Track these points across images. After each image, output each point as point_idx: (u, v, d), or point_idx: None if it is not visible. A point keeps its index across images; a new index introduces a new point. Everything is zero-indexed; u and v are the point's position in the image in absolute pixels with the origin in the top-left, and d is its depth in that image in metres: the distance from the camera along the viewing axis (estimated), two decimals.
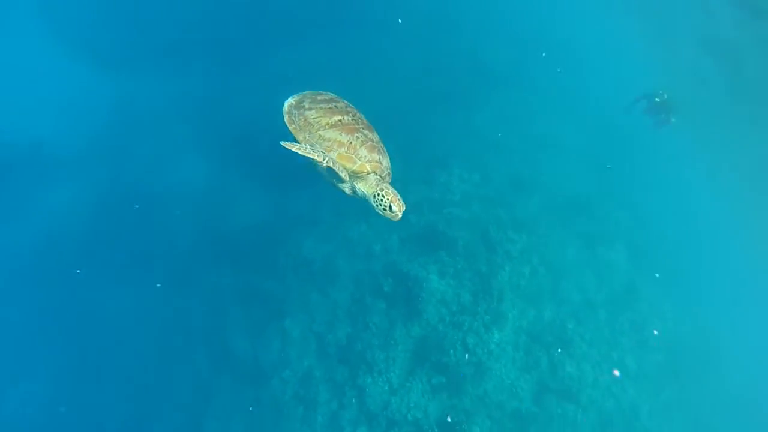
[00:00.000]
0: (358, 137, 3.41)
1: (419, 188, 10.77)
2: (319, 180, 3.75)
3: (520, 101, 15.64)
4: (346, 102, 3.90)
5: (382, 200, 3.34)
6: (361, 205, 3.68)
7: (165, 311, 9.12)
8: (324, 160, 3.25)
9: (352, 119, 3.56)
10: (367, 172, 3.41)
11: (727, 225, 20.74)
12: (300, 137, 3.46)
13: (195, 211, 10.06)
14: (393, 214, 3.37)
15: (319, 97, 3.78)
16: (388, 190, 3.38)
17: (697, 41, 19.83)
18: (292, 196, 9.83)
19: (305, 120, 3.50)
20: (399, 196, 3.39)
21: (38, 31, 12.66)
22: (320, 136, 3.41)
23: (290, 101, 3.77)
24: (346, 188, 3.58)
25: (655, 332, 11.57)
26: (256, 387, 8.11)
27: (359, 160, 3.36)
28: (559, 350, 9.78)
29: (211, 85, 11.89)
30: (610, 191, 14.86)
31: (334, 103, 3.69)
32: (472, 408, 8.35)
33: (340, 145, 3.35)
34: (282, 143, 3.31)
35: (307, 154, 3.25)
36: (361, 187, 3.50)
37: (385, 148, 3.66)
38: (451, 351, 8.26)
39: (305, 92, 3.90)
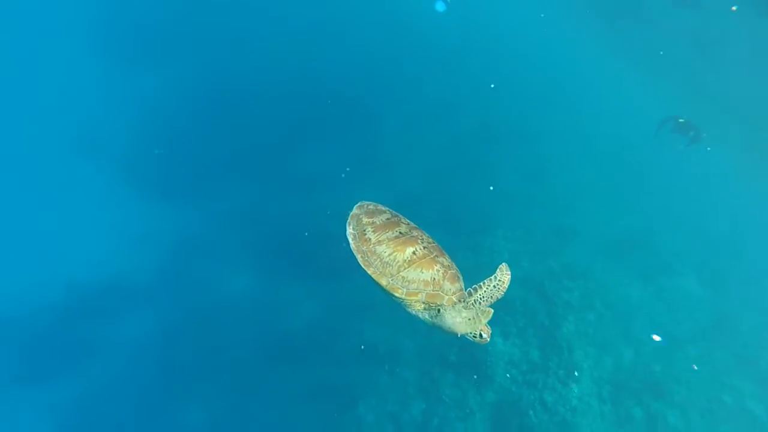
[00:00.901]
0: (438, 270, 3.33)
1: (466, 255, 11.02)
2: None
3: (542, 155, 16.21)
4: (402, 218, 3.83)
5: (470, 327, 3.30)
6: None
7: (238, 423, 9.42)
8: (424, 311, 3.39)
9: (424, 248, 3.45)
10: (453, 303, 3.35)
11: None
12: (383, 282, 3.35)
13: (254, 319, 10.73)
14: (483, 341, 3.37)
15: (375, 219, 3.70)
16: (479, 321, 3.32)
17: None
18: (344, 286, 10.37)
19: (379, 259, 3.42)
20: (487, 323, 3.37)
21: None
22: (403, 278, 3.32)
23: (350, 231, 3.69)
24: (426, 317, 3.51)
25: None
26: None
27: (446, 294, 3.30)
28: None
29: (248, 195, 13.32)
30: (656, 221, 14.54)
31: (397, 229, 3.59)
32: None
33: (426, 284, 3.28)
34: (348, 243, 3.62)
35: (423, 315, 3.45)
36: (448, 317, 3.36)
37: (454, 264, 3.59)
38: (531, 412, 7.95)
39: (355, 211, 3.85)
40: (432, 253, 3.39)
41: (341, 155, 14.07)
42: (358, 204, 3.89)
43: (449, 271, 3.34)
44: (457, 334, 3.30)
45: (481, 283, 3.46)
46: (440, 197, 12.65)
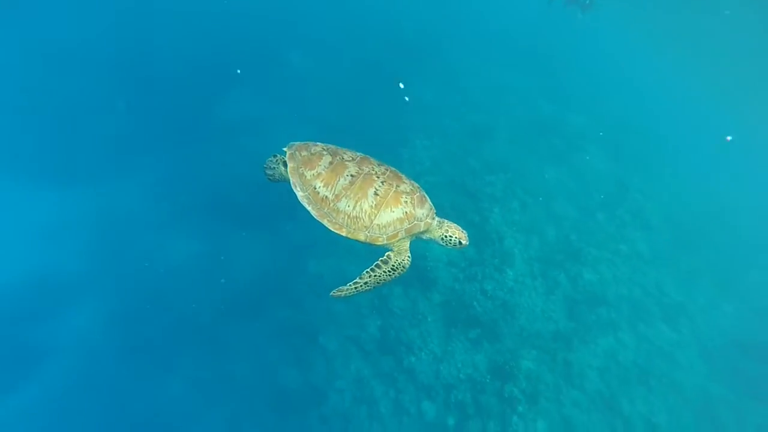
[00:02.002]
0: (406, 201, 3.26)
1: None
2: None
3: (450, 62, 16.23)
4: (340, 151, 3.50)
5: (450, 240, 3.45)
6: None
7: (216, 382, 9.49)
8: (396, 269, 3.35)
9: (382, 183, 3.26)
10: (429, 225, 3.40)
11: (682, 95, 21.35)
12: (361, 237, 3.28)
13: (204, 280, 10.40)
14: (463, 246, 3.51)
15: (318, 169, 3.34)
16: (452, 229, 3.45)
17: None
18: (283, 228, 10.21)
19: (347, 215, 3.24)
20: (459, 227, 3.49)
21: None
22: (378, 225, 3.25)
23: (301, 194, 3.37)
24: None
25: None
26: (318, 407, 8.53)
27: (422, 221, 3.32)
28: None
29: (168, 157, 12.21)
30: (562, 104, 15.40)
31: (346, 172, 3.30)
32: (514, 345, 8.82)
33: (401, 222, 3.26)
34: (333, 294, 3.37)
35: (366, 288, 3.35)
36: (426, 237, 3.53)
37: (413, 182, 3.51)
38: (474, 303, 8.74)
39: (291, 165, 3.45)
40: (392, 183, 3.27)
41: (254, 99, 13.07)
42: (289, 152, 3.47)
43: (415, 196, 3.31)
44: (443, 245, 3.48)
45: (451, 226, 3.53)
46: (358, 119, 12.39)
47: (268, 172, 3.73)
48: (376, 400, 8.04)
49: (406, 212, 3.24)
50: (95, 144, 12.53)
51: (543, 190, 11.64)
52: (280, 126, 11.95)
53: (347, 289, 3.35)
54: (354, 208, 3.19)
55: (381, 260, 3.41)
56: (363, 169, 3.29)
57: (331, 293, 3.36)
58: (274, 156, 3.73)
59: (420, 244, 3.85)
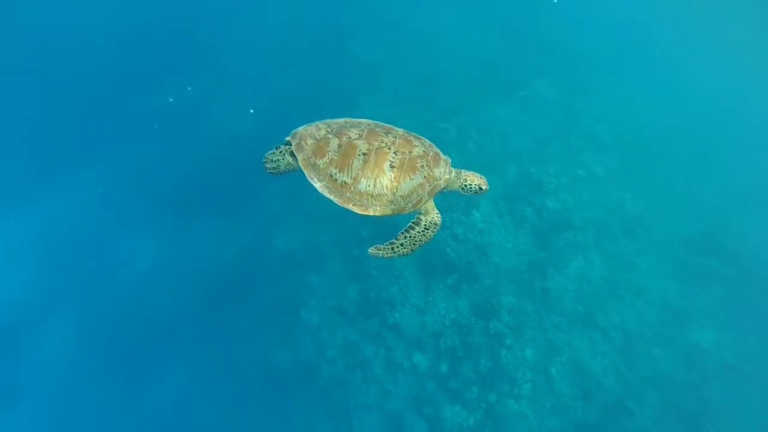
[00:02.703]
0: (422, 166, 3.26)
1: None
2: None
3: (391, 17, 15.61)
4: (345, 127, 3.42)
5: (471, 188, 3.57)
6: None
7: (209, 369, 9.25)
8: (429, 228, 3.38)
9: (395, 153, 3.23)
10: (448, 179, 3.49)
11: (624, 18, 21.64)
12: (389, 212, 3.29)
13: (179, 275, 9.93)
14: (483, 191, 3.63)
15: (329, 155, 3.28)
16: (471, 177, 3.56)
17: None
18: (248, 209, 9.85)
19: (370, 195, 3.23)
20: (477, 174, 3.62)
21: None
22: (401, 197, 3.27)
23: (320, 185, 3.30)
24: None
25: None
26: (315, 380, 8.54)
27: (441, 179, 3.38)
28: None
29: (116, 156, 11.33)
30: (508, 43, 15.28)
31: (358, 150, 3.24)
32: (492, 283, 9.04)
33: (422, 187, 3.29)
34: (371, 251, 3.35)
35: (403, 250, 3.33)
36: (447, 190, 3.63)
37: (423, 139, 3.53)
38: (448, 249, 8.81)
39: (301, 156, 3.35)
40: (404, 151, 3.24)
41: (189, 82, 12.19)
42: (295, 143, 3.35)
43: (429, 157, 3.31)
44: (464, 193, 3.62)
45: (469, 174, 3.66)
46: (304, 88, 11.92)
47: (270, 165, 3.53)
48: (368, 362, 8.11)
49: (425, 176, 3.26)
50: (19, 157, 11.44)
51: (497, 128, 11.66)
52: (223, 107, 11.28)
53: (384, 248, 3.36)
54: (375, 186, 3.17)
55: (413, 222, 3.46)
56: (373, 144, 3.22)
57: (369, 251, 3.37)
58: (276, 148, 3.55)
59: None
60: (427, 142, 3.47)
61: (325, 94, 11.75)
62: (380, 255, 3.30)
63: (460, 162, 10.24)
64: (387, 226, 9.09)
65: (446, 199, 9.61)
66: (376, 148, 3.21)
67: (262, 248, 9.43)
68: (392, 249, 3.34)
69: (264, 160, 3.52)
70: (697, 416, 8.72)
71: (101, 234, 10.35)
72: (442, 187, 3.43)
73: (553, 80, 13.99)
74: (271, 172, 3.56)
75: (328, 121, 3.46)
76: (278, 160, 3.49)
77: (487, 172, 10.48)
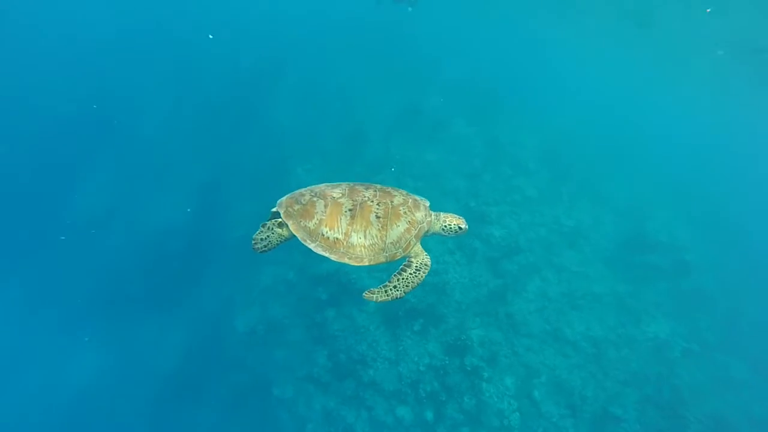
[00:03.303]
0: (404, 212, 3.46)
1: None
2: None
3: (298, 84, 16.51)
4: (326, 190, 3.58)
5: (451, 228, 3.70)
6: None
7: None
8: (420, 269, 3.48)
9: (378, 204, 3.44)
10: (431, 222, 3.66)
11: (522, 51, 24.12)
12: (382, 260, 3.41)
13: (123, 385, 9.22)
14: (463, 231, 3.75)
15: (318, 216, 3.42)
16: (449, 218, 3.71)
17: None
18: (193, 303, 9.45)
19: (362, 247, 3.37)
20: (455, 215, 3.75)
21: None
22: (391, 243, 3.41)
23: (314, 247, 3.41)
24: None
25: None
26: None
27: (424, 222, 3.55)
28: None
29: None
30: (418, 90, 16.53)
31: (344, 208, 3.41)
32: (458, 320, 9.11)
33: (408, 231, 3.45)
34: (365, 295, 3.37)
35: (396, 292, 3.39)
36: (430, 233, 3.73)
37: (400, 189, 3.72)
38: (407, 295, 8.83)
39: (293, 226, 3.45)
40: (386, 201, 3.46)
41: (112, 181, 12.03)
42: (283, 212, 3.45)
43: (409, 204, 3.54)
44: (446, 235, 3.76)
45: (447, 216, 3.75)
46: (237, 166, 12.15)
47: (259, 245, 3.55)
48: (351, 428, 7.75)
49: (409, 221, 3.46)
50: None
51: (429, 171, 12.28)
52: (156, 200, 11.14)
53: (378, 292, 3.40)
54: (366, 238, 3.37)
55: (404, 265, 3.55)
56: (356, 200, 3.44)
57: (364, 295, 3.38)
58: (263, 225, 3.54)
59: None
60: (404, 191, 3.73)
61: (259, 168, 11.98)
62: (374, 299, 3.39)
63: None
64: (340, 285, 9.09)
65: None
66: (360, 203, 3.43)
67: (221, 334, 9.07)
68: (386, 292, 3.43)
69: (253, 241, 3.54)
70: (675, 406, 8.95)
71: (29, 344, 9.54)
72: (426, 229, 3.61)
73: (470, 120, 15.13)
74: (264, 250, 3.58)
75: (309, 187, 3.65)
76: (268, 235, 3.54)
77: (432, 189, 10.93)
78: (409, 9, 15.96)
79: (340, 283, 8.98)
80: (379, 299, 3.39)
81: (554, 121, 17.42)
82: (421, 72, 18.16)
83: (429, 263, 3.61)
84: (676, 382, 9.40)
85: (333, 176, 11.89)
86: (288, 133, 13.59)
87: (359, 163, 12.30)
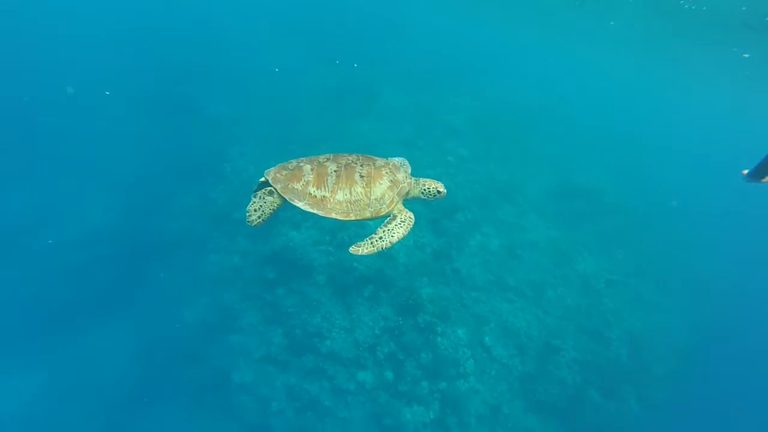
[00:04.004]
0: (386, 172, 3.64)
1: (225, 191, 10.68)
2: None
3: (231, 71, 15.82)
4: (312, 158, 3.75)
5: (429, 191, 3.87)
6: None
7: None
8: (404, 221, 3.65)
9: (361, 165, 3.62)
10: (410, 183, 3.82)
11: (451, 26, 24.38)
12: (367, 215, 3.58)
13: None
14: (441, 194, 3.90)
15: (305, 178, 3.57)
16: (428, 182, 3.87)
17: None
18: (139, 302, 9.01)
19: (348, 203, 3.53)
20: (434, 180, 3.90)
21: None
22: (375, 200, 3.58)
23: (302, 204, 3.56)
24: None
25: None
26: None
27: (405, 182, 3.75)
28: None
29: None
30: (348, 65, 16.37)
31: (330, 169, 3.59)
32: (406, 282, 9.45)
33: (391, 189, 3.63)
34: (352, 250, 3.48)
35: (382, 243, 3.52)
36: (411, 196, 3.91)
37: (380, 157, 3.84)
38: (355, 264, 9.01)
39: (281, 187, 3.57)
40: (369, 164, 3.66)
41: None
42: (270, 178, 3.59)
43: (390, 166, 3.75)
44: (425, 198, 3.96)
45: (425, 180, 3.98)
46: (171, 155, 11.54)
47: (253, 216, 3.56)
48: (316, 399, 7.89)
49: (391, 180, 3.65)
50: None
51: (365, 141, 12.35)
52: (88, 198, 10.40)
53: (364, 245, 3.51)
54: (351, 194, 3.52)
55: (389, 219, 3.70)
56: (341, 163, 3.60)
57: (350, 250, 3.52)
58: (254, 196, 3.59)
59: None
60: (384, 158, 3.91)
61: (192, 158, 11.48)
62: (360, 252, 3.53)
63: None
64: (288, 262, 9.05)
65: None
66: (345, 165, 3.59)
67: (171, 329, 8.73)
68: (371, 244, 3.60)
69: (247, 213, 3.57)
70: (602, 330, 10.05)
71: None
72: (407, 190, 3.79)
73: (399, 89, 15.33)
74: (259, 222, 3.60)
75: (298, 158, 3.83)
76: (261, 205, 3.57)
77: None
78: None
79: (286, 260, 8.94)
80: (365, 251, 3.52)
81: (482, 89, 18.15)
82: (351, 48, 18.00)
83: (413, 217, 3.79)
84: (603, 309, 10.48)
85: (269, 158, 11.74)
86: (221, 120, 13.13)
87: (294, 141, 12.12)
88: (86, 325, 9.33)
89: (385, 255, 9.66)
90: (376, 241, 3.59)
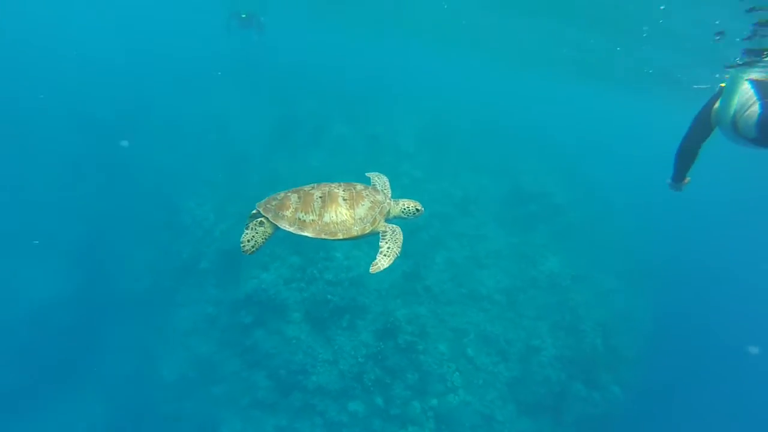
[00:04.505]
0: (366, 195, 3.90)
1: (179, 236, 10.46)
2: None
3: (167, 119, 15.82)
4: (294, 192, 3.92)
5: (409, 210, 4.14)
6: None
7: None
8: (395, 231, 3.91)
9: (344, 190, 3.87)
10: (390, 203, 4.08)
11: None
12: (355, 233, 3.77)
13: None
14: (420, 213, 4.17)
15: (293, 206, 3.78)
16: (406, 202, 4.14)
17: None
18: (111, 368, 8.51)
19: (334, 224, 3.77)
20: (411, 199, 4.19)
21: None
22: (360, 219, 3.82)
23: (288, 227, 3.75)
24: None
25: None
26: None
27: (384, 202, 3.99)
28: None
29: None
30: (284, 103, 16.79)
31: (315, 195, 3.79)
32: (381, 307, 9.53)
33: (372, 209, 3.88)
34: (372, 270, 3.64)
35: (391, 252, 3.74)
36: (392, 216, 4.14)
37: (357, 184, 4.07)
38: (329, 296, 9.02)
39: (272, 216, 3.77)
40: (350, 189, 3.97)
41: None
42: (262, 209, 3.80)
43: (369, 189, 4.06)
44: (405, 216, 4.22)
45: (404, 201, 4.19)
46: (128, 210, 11.27)
47: (247, 246, 3.86)
48: None
49: (372, 201, 3.95)
50: None
51: (317, 177, 12.53)
52: (37, 269, 9.87)
53: (379, 261, 3.79)
54: (336, 216, 3.83)
55: (381, 234, 3.98)
56: (324, 190, 3.91)
57: (371, 270, 3.70)
58: (246, 227, 3.84)
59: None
60: (362, 184, 4.24)
61: (146, 213, 11.24)
62: (380, 267, 3.77)
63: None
64: (260, 305, 8.93)
65: (304, 255, 9.90)
66: (328, 191, 3.91)
67: (148, 390, 8.31)
68: (385, 255, 3.83)
69: (241, 243, 3.85)
70: (575, 324, 10.55)
71: None
72: (387, 209, 4.08)
73: (343, 120, 15.79)
74: (252, 251, 3.89)
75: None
76: (253, 235, 3.86)
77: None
78: (254, 38, 16.29)
79: (260, 303, 8.81)
80: (384, 264, 3.80)
81: (423, 111, 18.90)
82: (289, 85, 18.41)
83: (399, 229, 4.14)
84: (572, 303, 10.96)
85: (227, 203, 11.63)
86: (168, 172, 12.92)
87: (247, 184, 12.13)
88: (47, 407, 8.67)
89: (356, 283, 9.70)
90: (386, 251, 3.90)
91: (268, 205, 3.95)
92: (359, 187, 4.14)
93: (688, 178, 3.93)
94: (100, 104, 15.80)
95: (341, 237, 3.85)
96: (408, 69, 28.25)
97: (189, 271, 10.07)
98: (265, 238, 3.95)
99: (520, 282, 11.61)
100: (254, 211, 3.95)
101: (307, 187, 4.06)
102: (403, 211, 4.25)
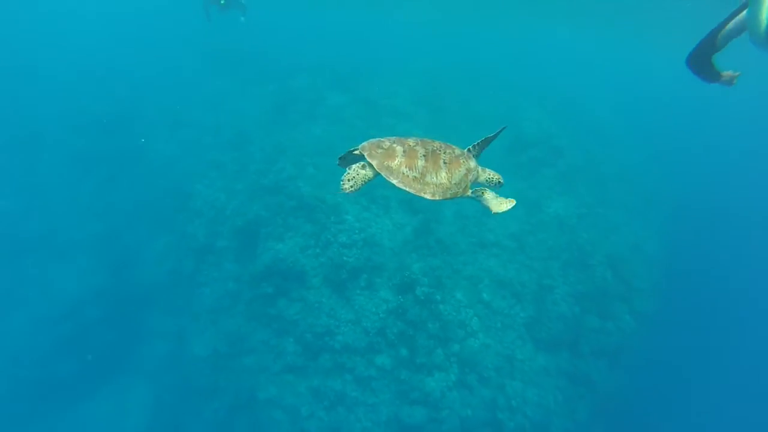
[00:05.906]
0: (462, 161, 3.90)
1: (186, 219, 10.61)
2: None
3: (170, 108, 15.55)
4: (397, 142, 3.93)
5: (493, 180, 4.10)
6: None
7: None
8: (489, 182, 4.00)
9: (447, 152, 3.88)
10: (479, 171, 4.08)
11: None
12: (468, 193, 3.86)
13: None
14: (501, 184, 4.13)
15: (397, 160, 3.77)
16: (491, 173, 4.10)
17: None
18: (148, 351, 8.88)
19: (439, 182, 3.80)
20: (494, 171, 4.11)
21: None
22: (456, 185, 3.84)
23: (396, 182, 3.73)
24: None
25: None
26: None
27: (476, 170, 4.00)
28: None
29: None
30: (281, 82, 16.43)
31: (420, 153, 3.79)
32: (396, 263, 9.77)
33: (466, 176, 3.91)
34: (494, 211, 3.79)
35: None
36: (478, 179, 4.12)
37: (455, 147, 4.07)
38: (345, 258, 9.25)
39: (377, 163, 3.74)
40: (450, 151, 3.97)
41: None
42: (367, 154, 3.74)
43: (465, 154, 4.06)
44: (488, 186, 4.15)
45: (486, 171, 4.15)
46: (139, 195, 11.50)
47: (347, 185, 3.80)
48: (342, 393, 8.13)
49: (467, 168, 4.01)
50: None
51: (321, 146, 12.52)
52: (59, 268, 10.15)
53: (496, 204, 3.93)
54: (437, 178, 3.90)
55: (479, 191, 4.07)
56: (428, 148, 3.94)
57: (492, 213, 3.89)
58: (349, 168, 3.79)
59: None
60: (460, 148, 4.27)
61: (156, 201, 11.37)
62: (503, 208, 3.90)
63: (309, 188, 10.88)
64: (280, 274, 9.18)
65: (315, 221, 10.06)
66: (431, 151, 3.95)
67: (184, 368, 8.73)
68: (496, 198, 3.95)
69: (341, 182, 3.77)
70: (584, 258, 10.83)
71: None
72: (478, 176, 4.14)
73: (338, 90, 15.60)
74: (351, 190, 3.84)
75: (383, 137, 4.05)
76: (354, 176, 3.81)
77: (334, 182, 11.33)
78: (242, 19, 15.69)
79: (279, 273, 9.06)
80: (504, 205, 3.91)
81: (416, 72, 18.55)
82: (278, 62, 18.06)
83: (488, 190, 4.20)
84: (580, 241, 11.18)
85: (234, 182, 11.69)
86: (173, 160, 12.98)
87: (251, 160, 12.14)
88: (94, 394, 9.16)
89: (369, 243, 9.90)
90: (492, 195, 4.03)
91: (373, 152, 3.89)
92: (457, 151, 4.13)
93: (727, 72, 3.86)
94: (93, 99, 15.58)
95: (439, 198, 3.89)
96: (395, 35, 27.45)
97: (207, 251, 10.32)
98: (365, 181, 3.87)
99: (528, 226, 11.80)
100: (355, 152, 3.87)
101: (411, 141, 4.06)
102: (487, 180, 4.25)
